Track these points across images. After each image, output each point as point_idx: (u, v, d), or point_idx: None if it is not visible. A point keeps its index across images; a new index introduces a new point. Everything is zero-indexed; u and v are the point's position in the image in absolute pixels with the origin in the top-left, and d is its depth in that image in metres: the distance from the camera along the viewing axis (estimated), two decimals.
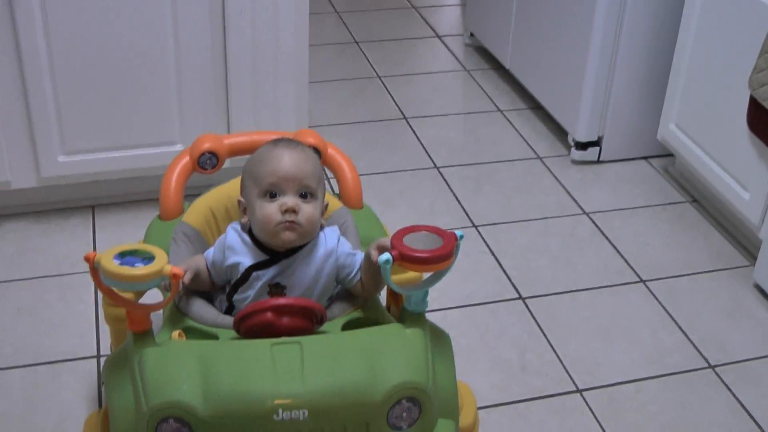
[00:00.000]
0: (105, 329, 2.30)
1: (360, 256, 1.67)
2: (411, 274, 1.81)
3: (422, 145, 3.18)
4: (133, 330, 1.52)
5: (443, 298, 2.45)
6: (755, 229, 2.54)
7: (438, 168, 3.05)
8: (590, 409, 2.15)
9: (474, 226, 2.77)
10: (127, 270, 1.43)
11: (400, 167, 3.03)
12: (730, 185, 2.61)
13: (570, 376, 2.25)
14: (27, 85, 2.46)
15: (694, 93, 2.73)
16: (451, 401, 1.56)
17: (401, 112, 3.40)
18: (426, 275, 1.58)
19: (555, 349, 2.32)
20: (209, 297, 1.74)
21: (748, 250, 2.70)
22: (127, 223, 2.68)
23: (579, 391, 2.21)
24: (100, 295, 2.42)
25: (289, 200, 1.59)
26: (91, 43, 2.45)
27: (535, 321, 2.41)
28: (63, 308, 2.39)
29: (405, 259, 1.49)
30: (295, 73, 2.63)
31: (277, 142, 1.68)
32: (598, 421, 2.12)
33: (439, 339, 1.61)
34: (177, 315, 1.67)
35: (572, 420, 2.13)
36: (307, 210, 1.60)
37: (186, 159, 1.97)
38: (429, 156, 3.11)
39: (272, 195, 1.61)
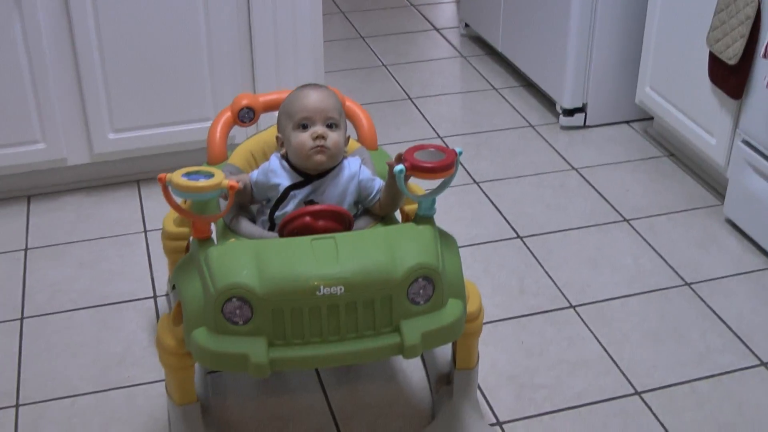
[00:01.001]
0: (158, 275, 2.66)
1: (378, 181, 2.02)
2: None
3: (426, 120, 3.54)
4: (197, 237, 1.86)
5: None
6: (722, 170, 2.89)
7: (441, 138, 3.41)
8: (582, 320, 2.50)
9: (475, 182, 3.13)
10: (193, 183, 1.77)
11: (407, 139, 3.38)
12: (698, 134, 2.96)
13: (563, 294, 2.59)
14: (80, 71, 2.83)
15: (664, 56, 3.09)
16: (458, 285, 1.88)
17: (406, 93, 3.78)
18: (433, 185, 1.93)
19: (550, 275, 2.67)
20: (253, 220, 2.09)
21: (718, 191, 3.05)
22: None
23: (572, 306, 2.55)
24: (152, 243, 2.79)
25: (319, 129, 1.95)
26: (135, 31, 2.82)
27: (532, 254, 2.76)
28: (120, 261, 2.75)
29: (415, 169, 1.84)
30: (312, 45, 2.99)
31: (305, 85, 2.05)
32: (589, 329, 2.47)
33: (446, 237, 1.95)
34: (228, 233, 2.01)
35: (567, 329, 2.47)
36: (333, 136, 1.96)
37: (227, 114, 2.30)
38: (433, 128, 3.48)
39: (304, 126, 1.96)
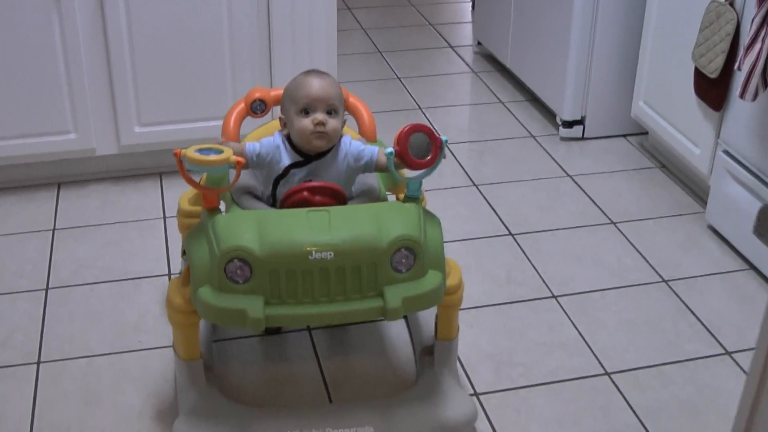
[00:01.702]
0: (174, 256, 2.88)
1: (369, 148, 2.20)
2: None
3: (434, 127, 3.76)
4: (206, 207, 2.07)
5: (447, 235, 2.98)
6: (706, 178, 3.08)
7: (447, 145, 3.62)
8: (562, 308, 2.69)
9: (474, 185, 3.33)
10: (205, 157, 2.00)
11: None
12: (685, 144, 3.15)
13: (547, 285, 2.79)
14: (112, 68, 3.08)
15: (657, 72, 3.30)
16: (438, 258, 2.07)
17: (417, 103, 4.00)
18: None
19: (536, 268, 2.87)
20: (259, 198, 2.30)
21: (702, 198, 3.23)
22: (188, 187, 3.26)
23: (554, 296, 2.75)
24: (169, 228, 3.01)
25: (319, 116, 2.14)
26: (164, 33, 3.06)
27: (521, 249, 2.96)
28: (140, 242, 2.98)
29: (400, 159, 2.05)
30: (326, 45, 3.22)
31: (309, 71, 2.24)
32: (568, 316, 2.66)
33: (431, 216, 2.15)
34: (235, 208, 2.23)
35: (547, 316, 2.66)
36: (332, 123, 2.16)
37: (241, 105, 2.52)
38: (439, 135, 3.68)
39: (306, 112, 2.16)
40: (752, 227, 1.03)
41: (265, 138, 2.23)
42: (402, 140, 2.05)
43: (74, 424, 2.25)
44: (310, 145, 2.16)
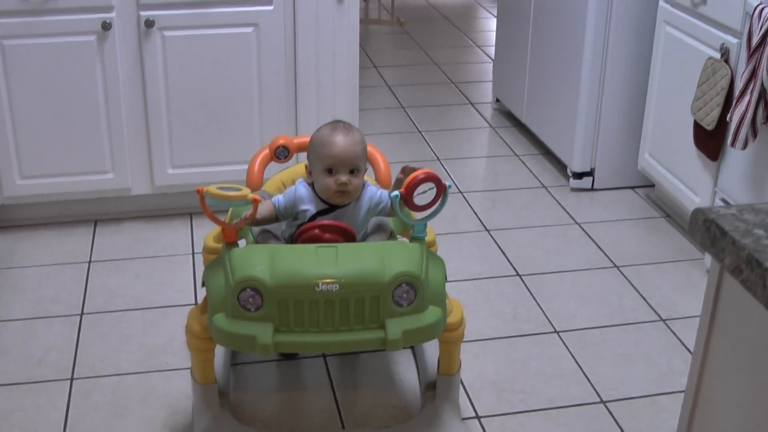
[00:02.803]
0: (200, 288, 3.07)
1: (384, 192, 2.38)
2: None
3: (450, 177, 3.96)
4: (225, 241, 2.25)
5: (458, 275, 3.17)
6: None
7: (462, 192, 3.82)
8: (563, 343, 2.85)
9: (486, 230, 3.52)
10: (225, 193, 2.18)
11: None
12: (686, 194, 3.33)
13: (550, 322, 2.95)
14: (148, 113, 3.31)
15: (661, 126, 3.49)
16: (439, 295, 2.21)
17: (436, 155, 4.21)
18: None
19: (541, 306, 3.03)
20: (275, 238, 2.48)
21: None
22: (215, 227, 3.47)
23: (556, 332, 2.91)
24: (197, 263, 3.21)
25: (342, 176, 2.27)
26: (198, 85, 3.30)
27: (527, 289, 3.13)
28: (170, 275, 3.18)
29: (406, 203, 2.21)
30: (348, 94, 3.44)
31: (336, 125, 2.35)
32: (568, 350, 2.82)
33: (434, 256, 2.30)
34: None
35: (549, 349, 2.82)
36: (355, 181, 2.30)
37: (266, 151, 2.72)
38: (455, 184, 3.89)
39: (330, 171, 2.30)
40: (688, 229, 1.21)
41: (288, 189, 2.39)
42: (410, 187, 2.19)
43: None
44: (334, 201, 2.32)
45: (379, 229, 2.46)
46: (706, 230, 1.16)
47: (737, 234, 1.11)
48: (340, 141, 2.29)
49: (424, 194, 2.22)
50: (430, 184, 2.21)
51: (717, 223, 1.14)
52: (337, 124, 2.37)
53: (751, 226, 1.13)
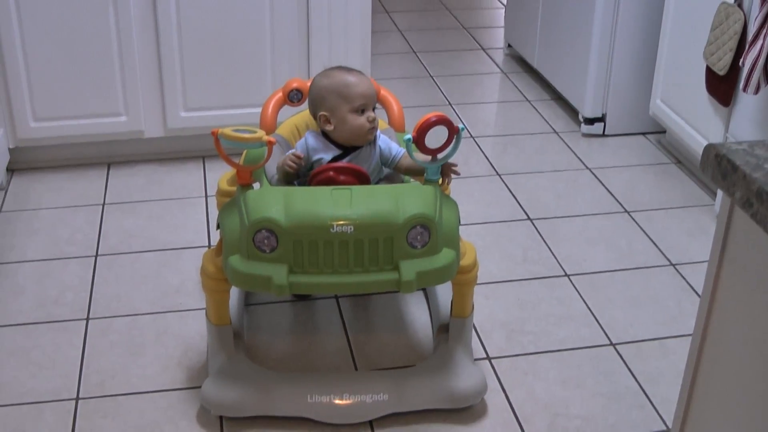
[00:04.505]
0: (213, 230, 3.10)
1: (395, 146, 2.41)
2: None
3: (462, 121, 3.96)
4: (240, 183, 2.27)
5: (470, 218, 3.19)
6: None
7: (473, 137, 3.83)
8: (574, 286, 2.88)
9: (498, 174, 3.53)
10: (240, 135, 2.19)
11: None
12: (697, 139, 3.33)
13: (560, 265, 2.97)
14: (161, 56, 3.32)
15: (673, 71, 3.48)
16: (453, 237, 2.23)
17: (447, 100, 4.21)
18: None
19: (551, 250, 3.06)
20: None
21: (713, 191, 3.41)
22: (227, 169, 3.49)
23: (566, 275, 2.93)
24: (210, 206, 3.24)
25: (371, 114, 2.33)
26: (210, 25, 3.30)
27: (538, 232, 3.15)
28: (183, 217, 3.20)
29: (416, 145, 2.22)
30: (360, 37, 3.44)
31: (346, 70, 2.38)
32: (578, 292, 2.84)
33: (448, 199, 2.31)
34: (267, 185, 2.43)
35: (559, 291, 2.85)
36: (377, 118, 2.37)
37: (279, 94, 2.73)
38: (467, 128, 3.89)
39: (360, 111, 2.33)
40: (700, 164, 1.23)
41: (298, 142, 2.43)
42: (421, 130, 2.19)
43: (119, 371, 2.47)
44: (363, 140, 2.35)
45: (394, 177, 2.47)
46: (717, 165, 1.18)
47: (748, 168, 1.12)
48: (362, 80, 2.35)
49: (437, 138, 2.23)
50: (444, 130, 2.22)
51: (728, 158, 1.15)
52: (343, 68, 2.41)
53: (761, 160, 1.15)
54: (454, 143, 2.23)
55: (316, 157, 2.37)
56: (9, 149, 3.37)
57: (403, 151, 2.37)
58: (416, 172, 2.36)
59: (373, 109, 2.35)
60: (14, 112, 3.30)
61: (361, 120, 2.32)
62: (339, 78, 2.35)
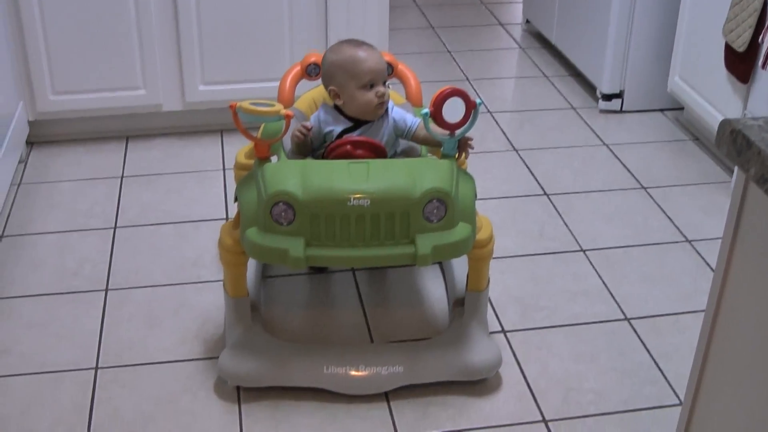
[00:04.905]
0: (231, 203, 3.12)
1: (410, 117, 2.42)
2: None
3: (480, 97, 3.96)
4: (258, 156, 2.28)
5: (486, 193, 3.20)
6: None
7: (491, 112, 3.83)
8: (589, 261, 2.89)
9: (515, 149, 3.54)
10: (258, 108, 2.20)
11: None
12: (714, 116, 3.32)
13: (576, 240, 2.98)
14: (180, 29, 3.33)
15: (691, 48, 3.47)
16: (469, 211, 2.24)
17: (465, 75, 4.22)
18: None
19: (567, 225, 3.06)
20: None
21: (730, 168, 3.40)
22: (245, 143, 3.50)
23: (582, 250, 2.94)
24: (228, 179, 3.25)
25: (381, 88, 2.34)
26: (228, 0, 3.32)
27: (555, 208, 3.16)
28: (200, 190, 3.22)
29: (434, 119, 2.22)
30: (378, 12, 3.44)
31: (356, 43, 2.39)
32: (594, 268, 2.85)
33: (464, 173, 2.32)
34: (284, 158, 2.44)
35: (574, 266, 2.86)
36: (387, 92, 2.37)
37: (297, 68, 2.74)
38: (484, 104, 3.90)
39: (369, 86, 2.34)
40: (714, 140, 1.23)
41: (312, 115, 2.44)
42: (437, 103, 2.20)
43: (137, 341, 2.50)
44: (373, 115, 2.36)
45: (410, 151, 2.48)
46: (732, 141, 1.18)
47: (763, 144, 1.13)
48: (371, 55, 2.35)
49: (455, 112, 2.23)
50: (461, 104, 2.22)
51: (743, 134, 1.16)
52: (353, 41, 2.41)
53: None
54: (471, 118, 2.23)
55: (327, 129, 2.39)
56: (28, 122, 3.39)
57: (418, 121, 2.38)
58: (433, 143, 2.37)
59: (384, 83, 2.35)
60: (33, 86, 3.32)
61: (370, 95, 2.33)
62: (347, 53, 2.36)
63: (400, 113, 2.42)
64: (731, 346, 1.36)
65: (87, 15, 3.24)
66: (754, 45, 2.99)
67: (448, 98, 2.20)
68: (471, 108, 2.23)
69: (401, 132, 2.42)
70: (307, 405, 2.28)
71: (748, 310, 1.31)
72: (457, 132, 2.25)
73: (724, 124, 1.22)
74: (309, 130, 2.33)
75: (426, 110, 2.21)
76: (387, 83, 2.41)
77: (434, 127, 2.26)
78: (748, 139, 1.16)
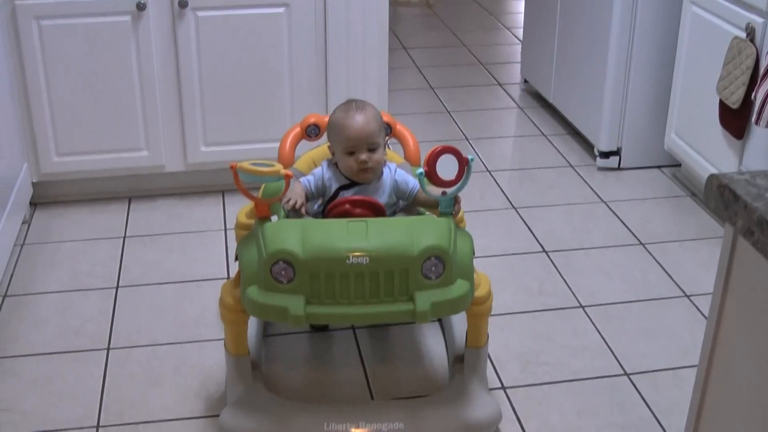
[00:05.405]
0: (233, 262, 3.14)
1: (412, 180, 2.45)
2: None
3: (478, 155, 4.01)
4: (258, 216, 2.31)
5: (486, 251, 3.23)
6: None
7: (489, 171, 3.87)
8: (588, 317, 2.90)
9: (514, 207, 3.57)
10: (258, 168, 2.24)
11: None
12: (710, 171, 3.35)
13: (575, 296, 3.00)
14: (182, 92, 3.38)
15: (687, 105, 3.52)
16: (467, 269, 2.26)
17: (464, 134, 4.26)
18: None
19: (566, 281, 3.08)
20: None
21: None
22: (246, 203, 3.54)
23: (581, 306, 2.96)
24: (229, 239, 3.28)
25: (362, 155, 2.36)
26: (230, 64, 3.37)
27: (554, 265, 3.18)
28: (202, 250, 3.25)
29: (429, 179, 2.26)
30: (377, 74, 3.50)
31: (350, 105, 2.43)
32: (593, 323, 2.87)
33: (462, 231, 2.35)
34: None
35: (574, 322, 2.87)
36: (375, 157, 2.38)
37: (297, 129, 2.78)
38: (483, 162, 3.94)
39: (351, 152, 2.38)
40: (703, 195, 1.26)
41: (315, 170, 2.48)
42: (430, 161, 2.23)
43: (138, 400, 2.51)
44: (359, 179, 2.40)
45: (410, 209, 2.51)
46: (720, 195, 1.21)
47: (749, 198, 1.16)
48: (355, 122, 2.37)
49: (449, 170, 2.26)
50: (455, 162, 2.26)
51: (730, 188, 1.19)
52: (349, 104, 2.44)
53: (762, 190, 1.18)
54: (465, 174, 2.27)
55: (327, 184, 2.43)
56: (32, 183, 3.43)
57: (418, 185, 2.41)
58: (432, 205, 2.40)
59: (374, 148, 2.37)
60: (38, 147, 3.37)
61: (350, 161, 2.37)
62: (338, 117, 2.42)
63: (403, 176, 2.45)
64: (725, 398, 1.38)
65: (91, 78, 3.30)
66: (747, 102, 3.04)
67: (441, 156, 2.24)
68: (464, 164, 2.26)
69: (403, 194, 2.45)
70: None
71: (741, 361, 1.33)
72: (449, 191, 2.27)
73: (712, 178, 1.25)
74: (296, 204, 2.33)
75: (421, 170, 2.24)
76: (386, 143, 2.44)
77: (430, 188, 2.30)
78: (734, 193, 1.18)
